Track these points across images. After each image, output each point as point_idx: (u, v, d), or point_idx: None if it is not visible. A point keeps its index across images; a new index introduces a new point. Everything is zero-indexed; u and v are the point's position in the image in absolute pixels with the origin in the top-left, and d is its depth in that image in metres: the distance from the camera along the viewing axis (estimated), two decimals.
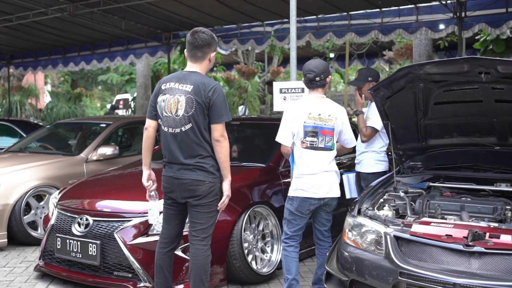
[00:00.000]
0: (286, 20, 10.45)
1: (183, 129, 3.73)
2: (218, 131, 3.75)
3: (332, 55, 16.28)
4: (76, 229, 4.64)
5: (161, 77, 14.60)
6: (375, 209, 3.97)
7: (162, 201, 4.00)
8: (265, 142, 6.17)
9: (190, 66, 3.88)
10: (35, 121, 11.50)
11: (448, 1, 8.64)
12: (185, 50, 3.91)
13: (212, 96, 3.71)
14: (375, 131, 5.04)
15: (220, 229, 4.55)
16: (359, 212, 3.93)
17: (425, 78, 3.96)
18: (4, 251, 5.94)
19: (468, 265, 3.26)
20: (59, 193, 5.29)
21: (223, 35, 11.35)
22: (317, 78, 4.24)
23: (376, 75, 5.26)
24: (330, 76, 4.36)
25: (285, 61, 15.08)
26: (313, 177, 4.19)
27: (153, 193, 4.01)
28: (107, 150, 6.95)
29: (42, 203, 6.34)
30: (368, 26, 9.76)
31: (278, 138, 4.25)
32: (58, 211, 4.92)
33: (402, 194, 4.10)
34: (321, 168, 4.21)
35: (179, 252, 4.37)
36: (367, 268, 3.61)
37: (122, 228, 4.45)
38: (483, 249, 3.22)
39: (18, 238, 6.09)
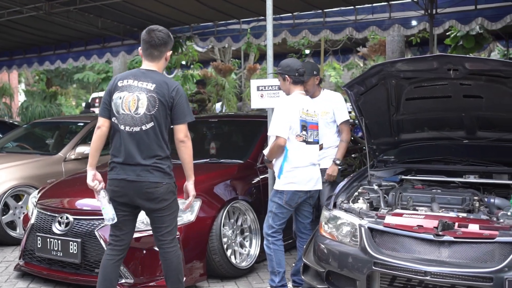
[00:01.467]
0: (262, 17, 10.55)
1: (143, 127, 3.60)
2: (183, 132, 3.66)
3: (307, 51, 16.43)
4: (57, 228, 4.68)
5: None
6: (350, 202, 4.10)
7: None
8: (243, 139, 6.27)
9: (147, 65, 3.74)
10: (11, 121, 11.41)
11: None
12: (140, 48, 3.78)
13: (176, 96, 3.65)
14: (349, 123, 5.13)
15: (200, 225, 4.65)
16: (334, 205, 4.06)
17: (397, 75, 4.10)
18: None
19: (439, 254, 3.41)
20: (39, 192, 5.31)
21: (200, 33, 11.41)
22: (304, 75, 4.47)
23: (318, 70, 5.15)
24: None
25: (261, 58, 15.17)
26: (304, 170, 4.34)
27: (102, 192, 3.71)
28: (85, 149, 6.94)
29: (20, 203, 6.34)
30: (343, 23, 9.92)
31: (276, 132, 4.26)
32: (38, 211, 4.95)
33: (375, 187, 4.25)
34: (311, 161, 4.40)
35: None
36: (343, 259, 3.73)
37: (102, 226, 4.49)
38: (452, 238, 3.38)
39: None
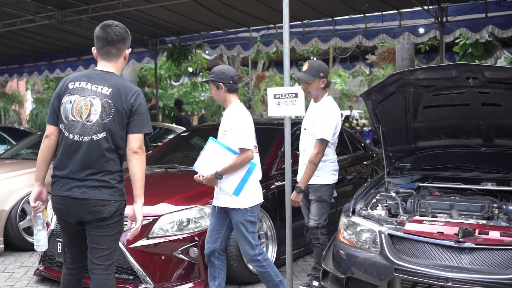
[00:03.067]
0: (272, 25, 10.65)
1: (94, 137, 3.19)
2: (138, 142, 3.25)
3: (315, 59, 16.50)
4: None
5: (147, 82, 14.67)
6: (369, 209, 4.14)
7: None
8: (258, 146, 6.30)
9: (103, 66, 3.33)
10: (22, 128, 11.50)
11: (430, 7, 8.89)
12: (94, 48, 3.38)
13: (135, 103, 3.26)
14: (325, 142, 4.51)
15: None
16: (353, 212, 4.10)
17: (415, 83, 4.15)
18: (1, 256, 6.01)
19: (460, 260, 3.45)
20: None
21: (209, 41, 11.49)
22: (238, 82, 4.19)
23: (327, 71, 4.75)
24: None
25: (270, 65, 15.28)
26: (259, 182, 4.23)
27: (41, 215, 3.34)
28: None
29: None
30: (353, 31, 9.99)
31: (248, 145, 3.98)
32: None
33: (393, 194, 4.30)
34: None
35: (178, 254, 4.50)
36: (363, 265, 3.77)
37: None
38: (473, 245, 3.41)
39: (14, 244, 6.15)
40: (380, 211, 4.06)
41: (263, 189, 5.20)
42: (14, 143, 9.16)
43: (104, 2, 9.17)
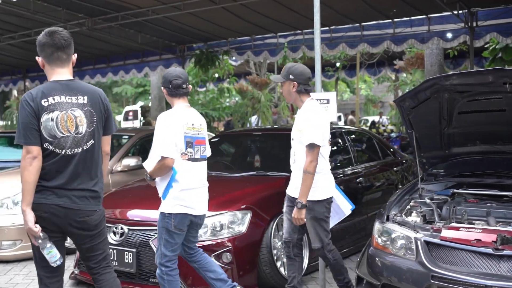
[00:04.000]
0: (299, 31, 10.69)
1: (84, 147, 3.26)
2: (109, 143, 3.41)
3: (337, 64, 16.48)
4: (112, 238, 4.79)
5: None
6: (403, 215, 4.12)
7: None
8: (288, 152, 6.32)
9: (60, 74, 3.29)
10: None
11: (460, 11, 8.83)
12: (38, 57, 3.33)
13: (108, 106, 3.39)
14: (316, 147, 4.13)
15: (251, 236, 4.72)
16: (387, 219, 4.09)
17: (450, 89, 4.12)
18: None
19: (498, 268, 3.40)
20: None
21: (237, 47, 11.58)
22: (184, 85, 4.06)
23: (299, 74, 4.30)
24: (190, 86, 4.24)
25: None
26: (194, 192, 4.02)
27: (42, 234, 3.19)
28: (131, 161, 7.13)
29: None
30: (381, 36, 9.98)
31: (162, 152, 3.86)
32: None
33: (428, 200, 4.26)
34: (201, 182, 4.10)
35: (212, 259, 4.53)
36: (399, 272, 3.75)
37: (156, 237, 4.59)
38: None
39: None
40: (415, 218, 4.04)
41: None
42: None
43: (134, 9, 9.32)
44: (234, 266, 4.57)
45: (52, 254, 3.21)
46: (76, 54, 3.42)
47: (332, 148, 6.58)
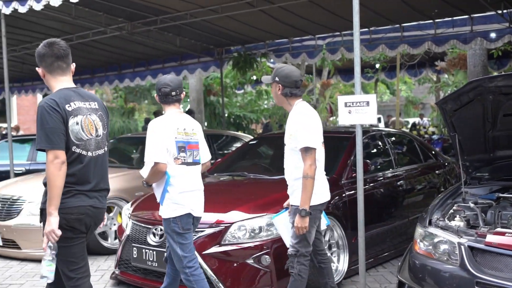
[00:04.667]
0: (338, 33, 10.59)
1: (105, 149, 3.46)
2: None
3: (377, 65, 16.29)
4: (152, 239, 4.85)
5: (213, 91, 14.90)
6: (446, 219, 4.03)
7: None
8: (327, 155, 6.27)
9: (63, 82, 3.40)
10: None
11: (504, 11, 8.59)
12: (38, 68, 3.45)
13: (107, 111, 3.62)
14: (312, 150, 3.96)
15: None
16: (430, 223, 4.00)
17: (495, 91, 4.01)
18: None
19: None
20: (132, 205, 5.53)
21: (275, 49, 11.56)
22: (173, 93, 4.15)
23: (283, 76, 4.12)
24: (184, 93, 4.32)
25: (334, 73, 15.21)
26: (191, 195, 4.11)
27: (53, 245, 3.20)
28: None
29: (111, 214, 6.62)
30: (421, 37, 9.80)
31: (154, 158, 3.97)
32: (132, 222, 5.15)
33: (472, 205, 4.15)
34: (196, 185, 4.18)
35: (250, 262, 4.53)
36: (442, 278, 3.67)
37: (196, 238, 4.62)
38: None
39: (90, 247, 6.30)
40: (458, 222, 3.94)
41: (333, 198, 5.23)
42: None
43: (172, 13, 9.41)
44: (273, 269, 4.56)
45: (49, 268, 3.20)
46: (74, 64, 3.53)
47: (372, 151, 6.55)
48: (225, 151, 8.59)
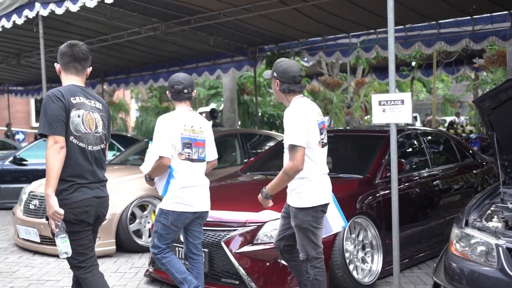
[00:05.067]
0: (372, 31, 10.46)
1: (102, 146, 3.62)
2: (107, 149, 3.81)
3: (413, 63, 16.02)
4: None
5: (246, 90, 14.93)
6: (483, 220, 3.93)
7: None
8: (361, 154, 6.21)
9: (75, 80, 3.60)
10: (130, 135, 12.08)
11: None
12: (56, 64, 3.65)
13: (110, 115, 3.82)
14: (298, 148, 3.76)
15: (323, 239, 4.64)
16: (466, 224, 3.91)
17: None
18: (113, 257, 6.33)
19: None
20: None
21: (308, 48, 11.50)
22: (185, 90, 4.29)
23: (281, 72, 3.97)
24: (195, 91, 4.44)
25: (369, 71, 15.03)
26: (191, 190, 4.23)
27: (61, 223, 3.35)
28: None
29: (145, 212, 6.69)
30: (459, 34, 9.59)
31: (159, 152, 4.12)
32: None
33: (510, 205, 4.04)
34: (198, 181, 4.30)
35: (283, 261, 4.50)
36: (479, 280, 3.57)
37: (228, 237, 4.63)
38: None
39: (125, 245, 6.45)
40: (496, 223, 3.84)
41: (367, 197, 5.16)
42: (123, 149, 9.67)
43: (205, 12, 9.45)
44: None
45: (66, 244, 3.37)
46: (91, 68, 3.72)
47: (407, 150, 6.44)
48: (258, 150, 8.57)
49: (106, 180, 3.69)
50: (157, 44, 11.71)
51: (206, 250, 4.66)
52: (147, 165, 4.30)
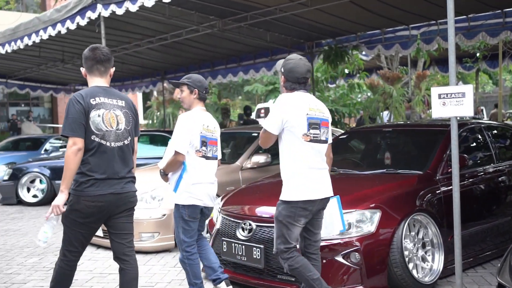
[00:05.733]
0: (433, 22, 10.15)
1: (125, 142, 3.81)
2: (137, 143, 4.00)
3: (477, 54, 15.42)
4: (241, 234, 4.88)
5: None
6: None
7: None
8: (421, 149, 6.03)
9: (99, 82, 3.86)
10: None
11: None
12: (82, 68, 3.92)
13: (137, 111, 4.00)
14: (266, 133, 3.95)
15: (380, 236, 4.55)
16: None
17: None
18: (172, 252, 6.45)
19: None
20: (222, 199, 5.61)
21: (366, 41, 11.30)
22: (204, 91, 4.63)
23: (287, 70, 3.98)
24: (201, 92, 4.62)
25: (431, 64, 14.59)
26: (202, 187, 4.47)
27: (56, 217, 3.71)
28: (260, 158, 7.24)
29: None
30: None
31: (176, 147, 4.35)
32: (222, 216, 5.22)
33: None
34: (209, 178, 4.55)
35: (340, 259, 4.44)
36: None
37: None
38: None
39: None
40: None
41: (427, 194, 5.01)
42: None
43: (262, 8, 9.45)
44: (362, 267, 4.43)
45: (45, 235, 3.73)
46: (114, 68, 3.96)
47: (470, 145, 6.20)
48: None
49: (130, 177, 3.86)
50: (215, 41, 11.84)
51: (262, 246, 4.66)
52: (163, 161, 4.55)
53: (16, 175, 10.67)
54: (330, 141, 4.14)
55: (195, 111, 4.57)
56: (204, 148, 4.49)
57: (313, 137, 3.97)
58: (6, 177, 11.24)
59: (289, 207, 3.91)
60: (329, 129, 4.12)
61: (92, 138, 3.66)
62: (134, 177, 3.93)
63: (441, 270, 4.85)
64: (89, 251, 6.75)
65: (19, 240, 7.49)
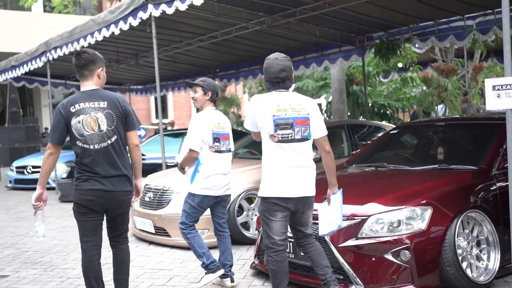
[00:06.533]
0: (490, 11, 9.77)
1: (109, 142, 4.02)
2: (136, 137, 4.19)
3: None
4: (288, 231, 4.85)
5: (355, 80, 14.62)
6: None
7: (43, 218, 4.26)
8: (475, 143, 5.83)
9: (87, 85, 4.12)
10: (240, 129, 12.33)
11: None
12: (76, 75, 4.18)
13: (125, 108, 4.12)
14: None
15: (432, 234, 4.42)
16: None
17: None
18: None
19: None
20: None
21: (419, 33, 10.98)
22: (215, 94, 5.14)
23: (264, 69, 4.16)
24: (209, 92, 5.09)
25: (489, 55, 14.05)
26: (215, 178, 4.96)
27: (41, 212, 4.19)
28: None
29: (252, 205, 6.77)
30: None
31: (190, 145, 4.87)
32: None
33: None
34: (222, 170, 5.01)
35: (389, 256, 4.35)
36: None
37: (330, 231, 4.53)
38: None
39: (233, 237, 6.51)
40: None
41: (481, 190, 4.83)
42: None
43: (310, 3, 9.35)
44: (413, 265, 4.32)
45: (39, 228, 4.22)
46: (103, 68, 4.19)
47: None
48: (368, 142, 8.34)
49: (122, 175, 4.07)
50: (264, 38, 11.80)
51: None
52: (180, 156, 5.07)
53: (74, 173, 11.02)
54: (316, 136, 4.10)
55: (206, 111, 5.06)
56: (217, 143, 4.97)
57: (282, 137, 3.96)
58: (64, 175, 11.64)
59: (263, 202, 4.08)
60: (311, 126, 4.04)
61: (77, 144, 4.01)
62: (128, 175, 4.13)
63: (497, 269, 4.67)
64: (141, 247, 6.90)
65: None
